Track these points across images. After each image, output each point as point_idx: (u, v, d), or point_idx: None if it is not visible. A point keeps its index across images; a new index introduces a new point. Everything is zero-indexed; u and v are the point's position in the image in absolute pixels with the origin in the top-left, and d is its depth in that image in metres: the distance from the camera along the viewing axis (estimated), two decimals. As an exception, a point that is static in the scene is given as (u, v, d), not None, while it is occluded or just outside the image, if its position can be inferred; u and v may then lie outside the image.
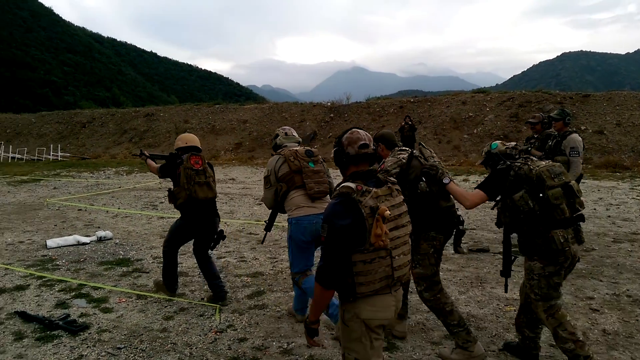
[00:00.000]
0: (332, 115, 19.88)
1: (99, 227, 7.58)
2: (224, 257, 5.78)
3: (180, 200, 4.30)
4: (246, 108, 22.60)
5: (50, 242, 6.38)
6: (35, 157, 22.60)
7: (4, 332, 3.77)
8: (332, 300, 3.15)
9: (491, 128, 16.43)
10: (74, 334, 3.72)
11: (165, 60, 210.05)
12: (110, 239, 6.78)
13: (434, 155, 3.58)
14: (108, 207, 9.01)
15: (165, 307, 4.26)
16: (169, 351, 3.44)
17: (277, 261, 5.60)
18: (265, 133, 20.25)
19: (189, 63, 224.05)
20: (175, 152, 4.50)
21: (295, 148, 3.82)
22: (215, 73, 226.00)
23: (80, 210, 9.11)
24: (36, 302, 4.40)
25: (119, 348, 3.49)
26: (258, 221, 7.87)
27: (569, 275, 3.14)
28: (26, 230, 7.47)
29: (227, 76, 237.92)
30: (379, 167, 3.34)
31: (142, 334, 3.71)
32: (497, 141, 3.36)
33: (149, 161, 4.73)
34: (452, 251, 4.10)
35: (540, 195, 2.85)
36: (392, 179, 2.21)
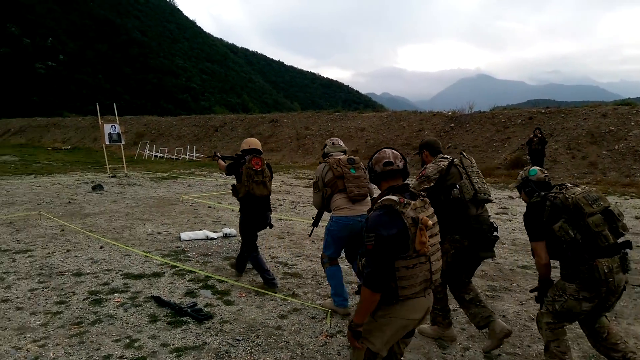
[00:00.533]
0: (452, 125, 19.22)
1: (225, 225, 8.22)
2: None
3: (240, 195, 4.97)
4: (364, 116, 22.84)
5: (184, 235, 7.08)
6: (174, 156, 25.25)
7: (141, 313, 4.28)
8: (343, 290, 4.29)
9: (636, 144, 14.55)
10: (199, 322, 4.08)
11: (291, 69, 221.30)
12: (234, 236, 7.32)
13: (474, 165, 3.81)
14: (233, 207, 9.74)
15: (280, 305, 4.49)
16: (282, 349, 3.62)
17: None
18: (382, 141, 20.25)
19: (312, 71, 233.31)
20: (241, 154, 5.12)
21: (339, 157, 4.33)
22: (336, 81, 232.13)
23: (210, 207, 9.98)
24: (169, 289, 4.92)
25: (237, 340, 3.76)
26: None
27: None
28: (164, 223, 8.37)
29: (347, 84, 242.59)
30: (420, 172, 3.80)
31: (259, 329, 3.95)
32: (537, 168, 3.30)
33: (220, 161, 5.52)
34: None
35: (581, 223, 2.78)
36: (422, 192, 2.56)
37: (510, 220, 8.79)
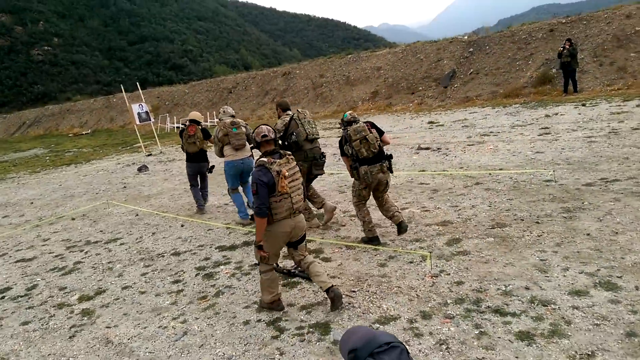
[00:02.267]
0: (471, 50, 18.84)
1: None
2: (407, 208, 6.22)
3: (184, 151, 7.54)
4: (379, 54, 22.46)
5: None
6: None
7: (254, 280, 4.70)
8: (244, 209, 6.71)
9: (666, 40, 14.20)
10: (310, 281, 4.50)
11: (284, 14, 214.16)
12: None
13: (307, 116, 5.90)
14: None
15: (375, 255, 4.87)
16: (397, 293, 4.01)
17: (460, 209, 5.87)
18: (401, 78, 20.05)
19: (307, 13, 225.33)
20: (185, 124, 7.46)
21: (226, 120, 6.50)
22: (332, 19, 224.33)
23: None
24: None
25: (353, 291, 4.17)
26: (423, 171, 8.16)
27: None
28: (224, 194, 8.75)
29: (343, 20, 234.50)
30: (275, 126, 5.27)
31: (367, 279, 4.35)
32: (348, 112, 5.13)
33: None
34: None
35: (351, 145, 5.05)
36: (287, 152, 3.85)
37: (556, 140, 8.92)
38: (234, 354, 3.50)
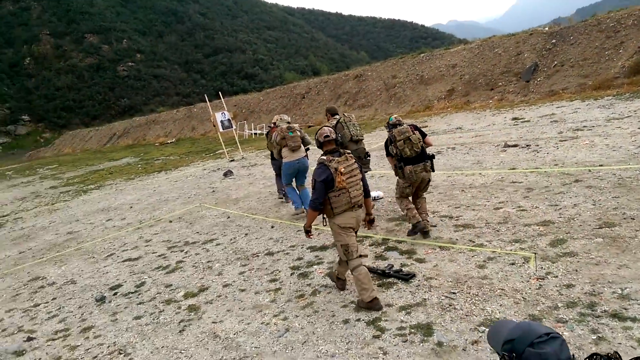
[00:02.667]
0: (554, 41, 17.77)
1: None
2: (501, 208, 5.99)
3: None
4: (453, 52, 21.85)
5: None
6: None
7: (349, 279, 4.75)
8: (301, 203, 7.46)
9: None
10: (406, 281, 4.48)
11: (350, 17, 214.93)
12: (381, 198, 7.66)
13: (352, 119, 6.74)
14: (378, 171, 10.09)
15: (473, 256, 4.74)
16: (501, 296, 3.87)
17: (560, 208, 5.56)
18: (479, 74, 19.36)
19: (373, 15, 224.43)
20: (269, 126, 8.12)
21: (283, 126, 7.34)
22: (398, 20, 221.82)
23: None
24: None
25: (453, 292, 4.09)
26: (514, 169, 7.82)
27: None
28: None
29: (410, 20, 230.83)
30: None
31: (467, 281, 4.25)
32: (394, 115, 5.37)
33: None
34: None
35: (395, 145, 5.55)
36: (347, 151, 4.21)
37: (662, 133, 8.17)
38: (336, 351, 3.57)
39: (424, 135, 5.56)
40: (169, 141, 35.83)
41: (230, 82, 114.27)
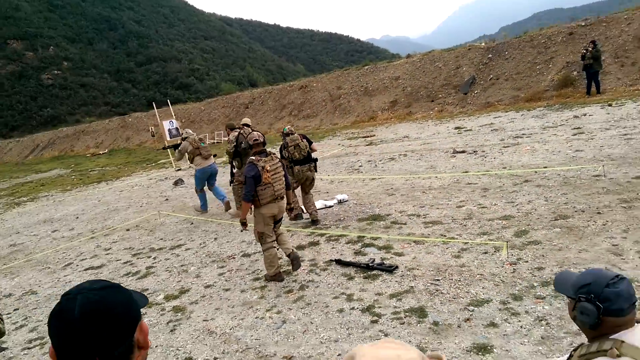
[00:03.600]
0: (490, 56, 19.16)
1: (327, 192, 8.83)
2: (463, 206, 6.45)
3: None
4: (396, 65, 22.85)
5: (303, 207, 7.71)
6: (215, 140, 25.88)
7: (334, 275, 4.94)
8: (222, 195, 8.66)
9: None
10: (390, 272, 4.73)
11: (288, 30, 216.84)
12: (347, 201, 7.91)
13: (254, 132, 6.07)
14: (321, 175, 10.32)
15: (448, 248, 5.09)
16: (481, 280, 4.23)
17: (517, 205, 6.09)
18: (420, 86, 20.38)
19: (310, 28, 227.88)
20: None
21: (194, 137, 8.59)
22: (335, 33, 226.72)
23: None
24: (338, 252, 5.56)
25: (437, 279, 4.39)
26: (467, 172, 8.39)
27: None
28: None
29: (346, 34, 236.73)
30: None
31: (447, 269, 4.57)
32: (287, 126, 6.76)
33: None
34: None
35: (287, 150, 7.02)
36: (273, 151, 5.10)
37: (591, 139, 9.13)
38: (339, 337, 3.74)
39: (310, 142, 6.96)
40: (101, 152, 34.18)
41: (164, 92, 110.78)
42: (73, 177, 20.49)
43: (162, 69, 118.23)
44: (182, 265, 6.11)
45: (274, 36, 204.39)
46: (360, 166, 10.85)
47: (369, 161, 11.27)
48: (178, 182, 12.94)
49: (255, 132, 5.28)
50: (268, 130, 25.02)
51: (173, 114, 17.59)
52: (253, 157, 4.86)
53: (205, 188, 8.81)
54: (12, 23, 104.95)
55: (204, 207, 8.83)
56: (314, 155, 7.04)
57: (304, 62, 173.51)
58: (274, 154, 5.02)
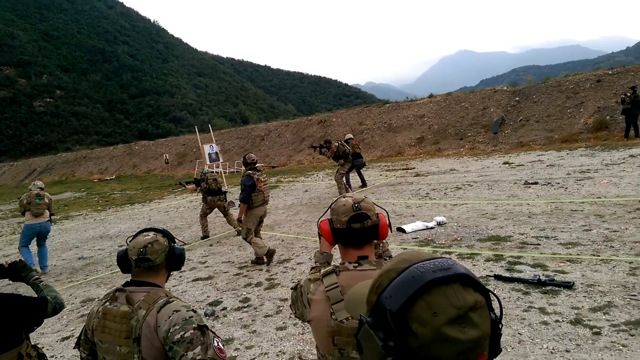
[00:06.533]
0: (517, 98, 19.71)
1: (412, 215, 8.69)
2: (591, 229, 6.37)
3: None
4: (419, 103, 23.30)
5: (407, 228, 7.56)
6: (234, 169, 25.67)
7: (502, 289, 4.76)
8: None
9: None
10: (570, 288, 4.56)
11: (279, 71, 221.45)
12: (445, 223, 7.79)
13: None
14: (394, 200, 10.21)
15: (613, 267, 4.97)
16: (688, 295, 4.10)
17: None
18: (448, 125, 20.74)
19: (300, 71, 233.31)
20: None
21: (34, 192, 8.04)
22: (324, 77, 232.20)
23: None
24: (485, 270, 5.39)
25: (633, 294, 4.25)
26: (559, 200, 8.36)
27: None
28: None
29: (335, 78, 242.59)
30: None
31: (633, 285, 4.44)
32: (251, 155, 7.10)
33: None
34: None
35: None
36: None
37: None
38: (567, 347, 3.54)
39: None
40: (108, 178, 33.56)
41: (156, 124, 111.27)
42: (95, 198, 19.93)
43: (155, 102, 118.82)
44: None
45: (265, 76, 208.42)
46: (427, 194, 10.78)
47: (434, 189, 11.22)
48: (230, 204, 12.63)
49: (252, 154, 6.92)
50: (287, 162, 24.99)
51: (214, 139, 17.42)
52: (250, 172, 6.54)
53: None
54: (6, 50, 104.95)
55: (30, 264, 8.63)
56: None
57: (294, 103, 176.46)
58: (264, 171, 7.04)
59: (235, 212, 11.52)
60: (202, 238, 8.98)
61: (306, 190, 14.18)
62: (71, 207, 17.76)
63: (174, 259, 2.04)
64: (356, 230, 1.65)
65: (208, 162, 15.55)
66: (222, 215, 9.37)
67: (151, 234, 2.02)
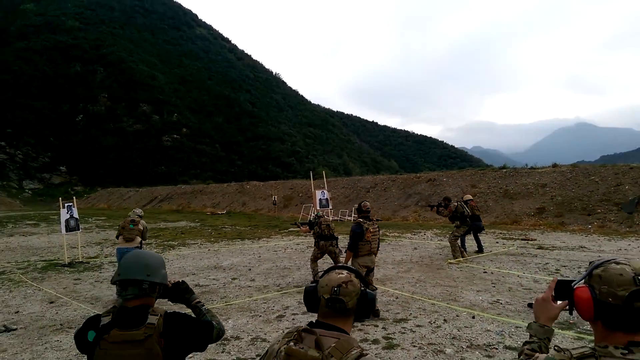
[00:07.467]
0: (660, 177, 17.67)
1: (543, 292, 7.88)
2: None
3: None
4: (541, 172, 21.89)
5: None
6: (339, 218, 25.88)
7: None
8: None
9: None
10: None
11: (385, 128, 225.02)
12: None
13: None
14: (518, 272, 9.43)
15: None
16: None
17: None
18: (574, 198, 19.10)
19: (405, 129, 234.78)
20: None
21: (129, 218, 8.61)
22: (430, 137, 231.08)
23: (485, 272, 9.74)
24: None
25: None
26: None
27: None
28: (481, 290, 8.24)
29: (440, 139, 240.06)
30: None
31: None
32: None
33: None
34: None
35: None
36: (375, 218, 7.08)
37: None
38: None
39: None
40: (219, 212, 35.70)
41: (265, 167, 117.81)
42: (209, 230, 21.19)
43: (266, 147, 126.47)
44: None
45: (371, 132, 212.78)
46: (557, 270, 9.79)
47: (564, 266, 10.17)
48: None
49: (367, 202, 6.98)
50: (392, 216, 24.64)
51: (326, 185, 17.84)
52: (361, 219, 6.70)
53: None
54: (146, 90, 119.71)
55: None
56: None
57: (397, 160, 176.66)
58: (377, 220, 7.10)
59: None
60: (312, 283, 8.90)
61: (415, 248, 13.70)
62: (187, 235, 19.00)
63: (366, 305, 1.81)
64: (638, 311, 1.32)
65: (318, 207, 15.81)
66: (331, 260, 9.20)
67: (345, 272, 1.83)
